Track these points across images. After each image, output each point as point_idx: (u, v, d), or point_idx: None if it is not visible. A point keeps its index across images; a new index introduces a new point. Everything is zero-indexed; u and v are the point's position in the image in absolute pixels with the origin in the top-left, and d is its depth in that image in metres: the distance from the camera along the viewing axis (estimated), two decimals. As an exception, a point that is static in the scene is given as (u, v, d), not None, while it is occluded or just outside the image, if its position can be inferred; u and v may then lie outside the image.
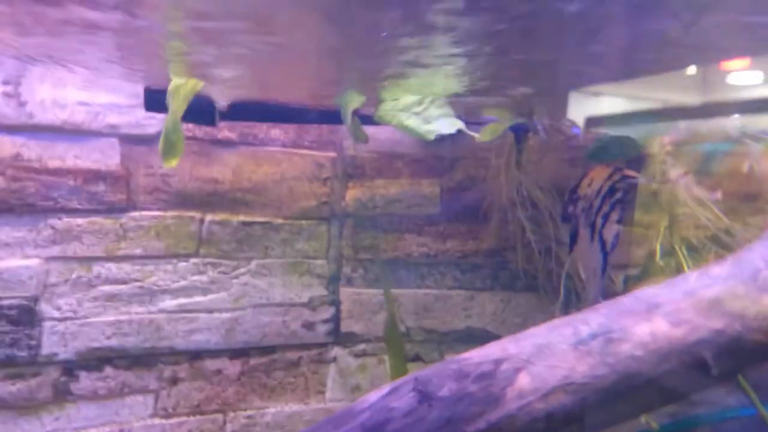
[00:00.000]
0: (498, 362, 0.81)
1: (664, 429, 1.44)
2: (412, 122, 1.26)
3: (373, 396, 0.81)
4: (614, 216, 1.20)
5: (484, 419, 0.75)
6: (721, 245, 1.23)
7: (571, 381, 0.78)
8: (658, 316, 0.82)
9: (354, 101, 1.29)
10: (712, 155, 1.43)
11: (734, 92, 1.20)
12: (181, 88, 1.20)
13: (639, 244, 1.61)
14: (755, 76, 1.16)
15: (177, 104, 1.20)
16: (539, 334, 0.86)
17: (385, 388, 0.81)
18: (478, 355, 0.84)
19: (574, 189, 1.27)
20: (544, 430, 0.77)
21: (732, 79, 1.17)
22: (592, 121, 1.43)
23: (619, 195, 1.20)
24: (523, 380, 0.78)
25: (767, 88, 1.19)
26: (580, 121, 1.51)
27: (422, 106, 1.27)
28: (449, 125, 1.24)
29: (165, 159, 1.30)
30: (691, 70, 1.15)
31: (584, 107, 1.39)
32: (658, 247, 1.29)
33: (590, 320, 0.85)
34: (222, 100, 1.50)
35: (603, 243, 1.20)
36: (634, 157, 1.41)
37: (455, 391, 0.77)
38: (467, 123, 1.89)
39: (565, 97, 1.38)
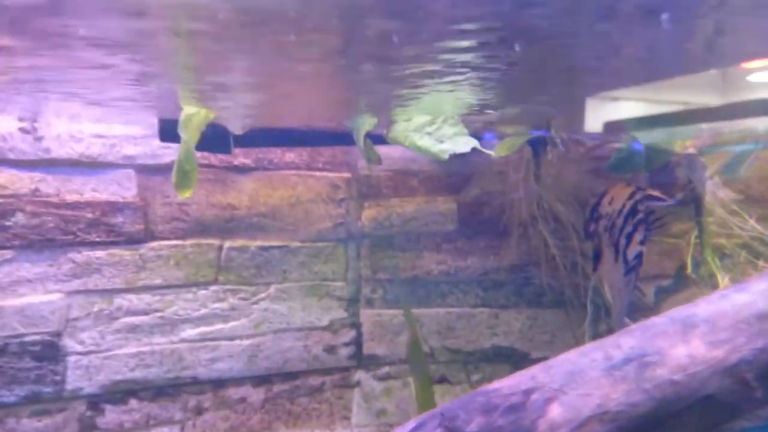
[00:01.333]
0: (528, 393, 0.77)
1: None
2: (425, 142, 1.24)
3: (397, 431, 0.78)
4: (637, 237, 1.16)
5: (517, 454, 0.72)
6: (755, 254, 1.18)
7: (605, 410, 0.75)
8: (695, 337, 0.78)
9: (366, 124, 1.28)
10: (739, 158, 1.38)
11: (755, 91, 1.17)
12: (194, 117, 1.20)
13: (669, 254, 1.55)
14: None
15: (189, 134, 1.20)
16: (570, 360, 0.82)
17: (411, 424, 0.78)
18: (507, 385, 0.80)
19: (595, 207, 1.23)
20: (581, 465, 0.73)
21: (753, 78, 1.14)
22: (611, 126, 1.39)
23: (641, 215, 1.16)
24: (555, 411, 0.75)
25: None
26: (598, 126, 1.47)
27: (435, 126, 1.25)
28: (463, 144, 1.21)
29: (179, 190, 1.29)
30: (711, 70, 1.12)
31: (603, 112, 1.35)
32: (689, 259, 1.24)
33: (623, 343, 0.81)
34: (236, 128, 1.50)
35: (627, 263, 1.16)
36: (660, 166, 1.37)
37: (483, 426, 0.74)
38: (484, 138, 1.87)
39: (581, 107, 1.35)
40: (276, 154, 1.82)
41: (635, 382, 0.76)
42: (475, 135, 1.78)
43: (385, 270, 1.92)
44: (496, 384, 0.82)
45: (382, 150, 1.65)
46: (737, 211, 1.18)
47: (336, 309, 1.86)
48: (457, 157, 1.81)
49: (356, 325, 1.87)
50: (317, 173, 1.87)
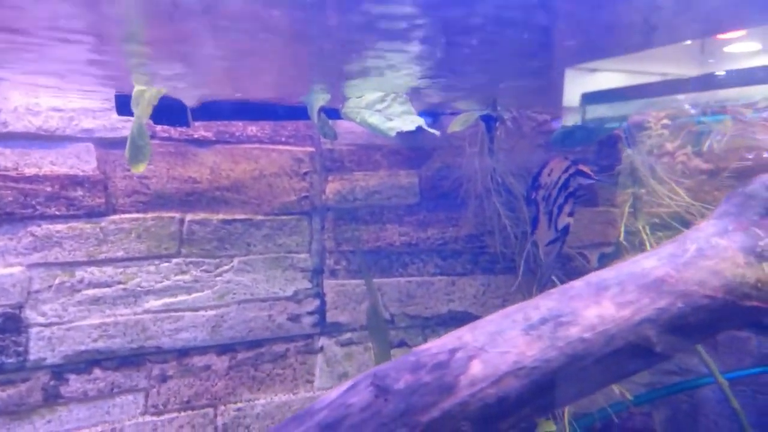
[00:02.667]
0: (453, 351, 0.83)
1: (638, 399, 1.48)
2: (375, 119, 1.28)
3: (333, 393, 0.83)
4: (567, 209, 1.22)
5: (438, 408, 0.78)
6: (686, 224, 1.25)
7: (521, 365, 0.81)
8: (606, 298, 0.85)
9: (319, 99, 1.31)
10: (701, 130, 1.42)
11: (732, 62, 1.19)
12: (145, 93, 1.21)
13: (612, 223, 1.63)
14: (752, 46, 1.14)
15: (141, 110, 1.21)
16: (494, 321, 0.88)
17: (346, 385, 0.84)
18: (436, 345, 0.86)
19: (536, 176, 1.29)
20: (497, 414, 0.79)
21: (730, 48, 1.15)
22: (588, 98, 1.41)
23: (571, 189, 1.22)
24: (476, 368, 0.81)
25: (765, 57, 1.16)
26: (576, 97, 1.49)
27: (385, 104, 1.28)
28: (410, 122, 1.25)
29: (132, 164, 1.31)
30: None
31: (580, 84, 1.37)
32: (622, 227, 1.31)
33: (541, 305, 0.88)
34: (190, 100, 1.51)
35: (556, 231, 1.23)
36: (604, 140, 1.42)
37: (411, 383, 0.80)
38: (440, 114, 1.91)
39: (560, 79, 1.35)
40: (237, 127, 1.83)
41: (550, 340, 0.83)
42: (431, 112, 1.82)
43: (349, 242, 1.97)
44: (427, 345, 0.88)
45: (345, 125, 1.68)
46: (669, 182, 1.24)
47: (300, 280, 1.91)
48: (418, 132, 1.85)
49: (320, 295, 1.93)
50: (280, 147, 1.90)
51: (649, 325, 0.81)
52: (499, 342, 0.84)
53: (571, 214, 1.23)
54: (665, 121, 1.42)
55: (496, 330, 0.86)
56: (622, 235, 1.32)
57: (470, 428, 0.76)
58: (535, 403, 0.81)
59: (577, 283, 0.90)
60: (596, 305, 0.84)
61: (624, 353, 0.81)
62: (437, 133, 1.26)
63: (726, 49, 1.13)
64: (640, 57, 1.16)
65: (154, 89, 1.22)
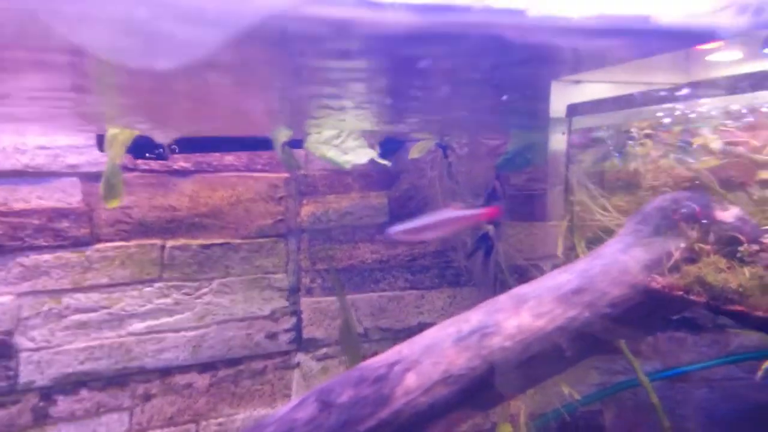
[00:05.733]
0: (392, 365, 0.94)
1: (586, 399, 1.59)
2: (332, 153, 1.40)
3: (283, 409, 0.94)
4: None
5: (375, 418, 0.89)
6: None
7: (449, 374, 0.92)
8: (525, 310, 0.97)
9: (282, 135, 1.43)
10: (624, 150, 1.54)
11: (717, 70, 1.27)
12: (119, 136, 1.33)
13: (565, 235, 1.75)
14: (733, 55, 1.22)
15: (114, 152, 1.32)
16: (430, 335, 1.00)
17: (295, 401, 0.95)
18: (378, 360, 0.97)
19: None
20: (428, 419, 0.90)
21: (712, 57, 1.21)
22: (573, 109, 1.45)
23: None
24: (410, 379, 0.92)
25: (747, 65, 1.23)
26: (561, 109, 1.56)
27: (340, 139, 1.41)
28: (363, 155, 1.38)
29: (107, 200, 1.42)
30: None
31: (565, 95, 1.42)
32: (559, 242, 1.43)
33: (471, 318, 0.99)
34: (162, 139, 1.63)
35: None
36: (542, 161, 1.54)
37: (353, 396, 0.91)
38: (405, 141, 2.04)
39: (547, 91, 1.41)
40: (215, 157, 1.95)
41: (476, 349, 0.94)
42: (396, 139, 1.94)
43: (324, 261, 2.09)
44: (371, 360, 0.99)
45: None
46: (601, 199, 1.35)
47: (277, 299, 2.02)
48: (387, 156, 1.97)
49: (297, 313, 2.04)
50: (256, 174, 2.02)
51: (560, 333, 0.92)
52: (433, 354, 0.95)
53: (491, 223, 1.36)
54: (648, 131, 1.49)
55: (431, 343, 0.97)
56: (560, 249, 1.44)
57: None
58: (463, 407, 0.92)
59: (503, 297, 1.02)
60: (516, 316, 0.96)
61: (540, 359, 0.92)
62: (388, 163, 1.39)
63: (708, 58, 1.17)
64: (625, 68, 1.20)
65: (127, 132, 1.34)
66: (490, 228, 1.39)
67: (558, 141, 1.51)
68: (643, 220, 1.02)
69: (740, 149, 1.31)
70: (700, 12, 0.79)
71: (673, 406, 1.78)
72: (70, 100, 1.10)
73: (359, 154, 1.37)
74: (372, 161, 1.82)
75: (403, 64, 0.88)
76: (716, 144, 1.24)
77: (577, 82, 1.35)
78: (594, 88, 1.39)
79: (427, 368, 0.93)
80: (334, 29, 0.71)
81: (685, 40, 0.91)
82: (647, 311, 0.95)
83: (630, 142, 1.32)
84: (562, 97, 1.41)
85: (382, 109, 1.18)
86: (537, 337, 0.93)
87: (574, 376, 1.84)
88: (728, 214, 0.97)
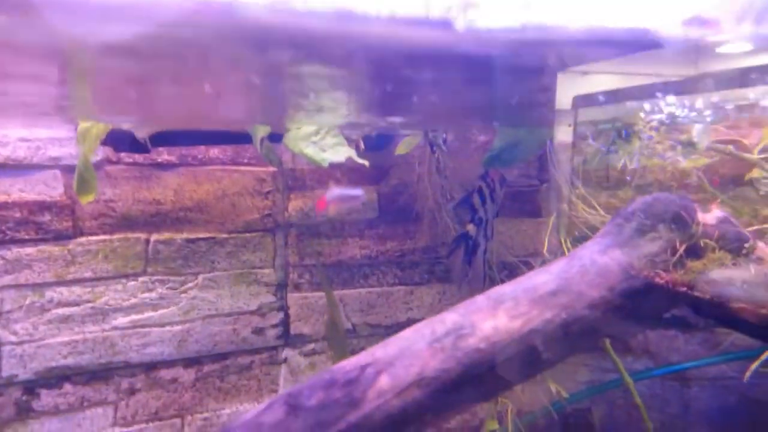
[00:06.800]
0: (364, 368, 0.93)
1: (575, 396, 1.57)
2: (310, 150, 1.38)
3: (251, 412, 0.92)
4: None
5: (345, 421, 0.87)
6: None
7: (423, 376, 0.91)
8: (501, 311, 0.95)
9: (261, 131, 1.40)
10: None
11: (726, 62, 1.24)
12: (91, 129, 1.30)
13: (554, 233, 1.73)
14: (743, 47, 1.19)
15: (87, 146, 1.30)
16: (404, 337, 0.98)
17: (263, 405, 0.93)
18: (350, 363, 0.96)
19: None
20: (401, 422, 0.89)
21: (722, 49, 1.20)
22: (580, 100, 1.42)
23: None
24: (383, 381, 0.90)
25: (757, 57, 1.21)
26: (568, 101, 1.54)
27: (319, 136, 1.38)
28: (341, 153, 1.35)
29: (80, 195, 1.39)
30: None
31: (573, 87, 1.38)
32: (546, 240, 1.41)
33: (447, 319, 0.97)
34: (140, 133, 1.60)
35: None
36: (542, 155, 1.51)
37: (322, 399, 0.89)
38: (394, 135, 2.01)
39: (553, 83, 1.37)
40: (200, 150, 1.92)
41: (450, 351, 0.92)
42: (386, 135, 1.92)
43: (312, 256, 2.07)
44: (343, 362, 0.97)
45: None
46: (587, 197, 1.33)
47: (264, 294, 2.00)
48: (376, 150, 1.94)
49: (284, 308, 2.02)
50: (242, 168, 1.99)
51: (536, 335, 0.90)
52: (407, 355, 0.93)
53: (471, 222, 1.35)
54: (653, 124, 1.46)
55: (405, 345, 0.95)
56: (545, 247, 1.42)
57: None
58: (436, 410, 0.90)
59: (480, 298, 1.00)
60: (492, 318, 0.94)
61: (515, 360, 0.90)
62: (366, 162, 1.36)
63: (718, 50, 1.13)
64: (634, 59, 1.16)
65: (101, 125, 1.31)
66: (470, 227, 1.37)
67: (564, 132, 1.46)
68: (623, 221, 0.99)
69: (729, 147, 1.28)
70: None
71: (663, 405, 1.76)
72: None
73: (338, 152, 1.35)
74: (360, 153, 1.80)
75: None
76: (704, 142, 1.21)
77: (585, 73, 1.32)
78: (602, 79, 1.36)
79: (401, 370, 0.91)
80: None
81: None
82: (625, 313, 0.93)
83: (618, 139, 1.30)
84: (568, 88, 1.38)
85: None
86: (513, 339, 0.91)
87: (563, 374, 1.82)
88: (710, 216, 0.95)
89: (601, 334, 0.96)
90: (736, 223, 0.98)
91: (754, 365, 1.36)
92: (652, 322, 1.23)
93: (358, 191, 1.55)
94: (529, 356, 0.91)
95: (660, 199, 0.99)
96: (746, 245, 0.95)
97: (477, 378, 0.91)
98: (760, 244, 0.99)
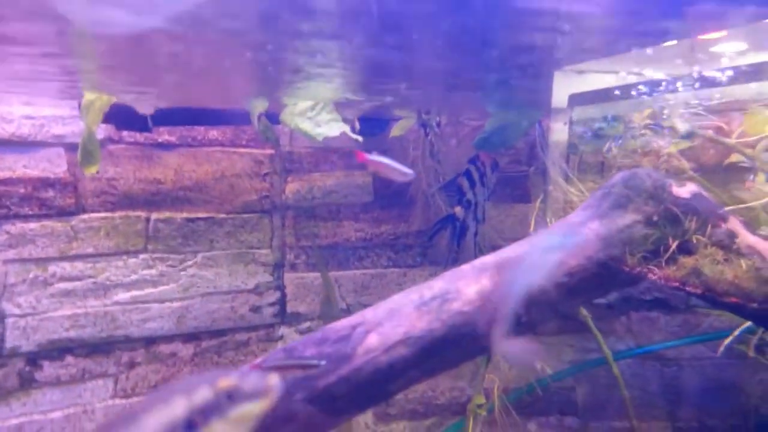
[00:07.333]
0: (354, 327, 0.98)
1: (559, 374, 1.64)
2: (306, 125, 1.42)
3: (245, 367, 0.98)
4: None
5: (335, 374, 0.93)
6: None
7: (410, 336, 0.96)
8: (485, 278, 1.00)
9: (259, 106, 1.45)
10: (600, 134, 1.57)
11: (720, 60, 1.21)
12: (95, 102, 1.35)
13: (543, 216, 1.78)
14: (738, 46, 1.24)
15: (91, 118, 1.34)
16: (394, 301, 1.04)
17: (260, 359, 0.99)
18: (341, 323, 1.01)
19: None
20: (387, 377, 0.94)
21: (716, 48, 1.17)
22: (575, 99, 1.45)
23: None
24: (372, 339, 0.96)
25: (751, 55, 1.24)
26: (564, 98, 1.57)
27: (314, 112, 1.43)
28: (335, 129, 1.40)
29: (84, 167, 1.44)
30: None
31: (568, 85, 1.42)
32: (532, 221, 1.47)
33: (434, 286, 1.03)
34: (145, 109, 1.64)
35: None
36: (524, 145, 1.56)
37: (314, 354, 0.95)
38: (390, 120, 2.06)
39: (549, 81, 1.41)
40: (199, 131, 1.97)
41: (436, 313, 0.98)
42: (381, 118, 1.97)
43: (308, 238, 2.12)
44: (335, 323, 1.03)
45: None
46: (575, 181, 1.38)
47: (262, 273, 2.06)
48: (372, 135, 1.99)
49: (281, 287, 2.08)
50: (241, 149, 2.04)
51: (516, 299, 0.96)
52: (395, 317, 0.99)
53: (459, 204, 1.41)
54: (647, 121, 1.51)
55: (394, 307, 1.01)
56: (532, 227, 1.48)
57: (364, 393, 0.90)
58: (421, 367, 0.96)
59: (465, 267, 1.06)
60: (476, 284, 0.99)
61: (496, 324, 0.96)
62: (360, 138, 1.41)
63: (712, 49, 1.16)
64: (629, 57, 1.20)
65: (105, 97, 1.35)
66: (458, 209, 1.42)
67: (560, 131, 1.50)
68: (603, 195, 1.05)
69: (709, 132, 1.33)
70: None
71: (644, 384, 1.83)
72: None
73: (332, 127, 1.40)
74: (355, 140, 1.85)
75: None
76: (684, 127, 1.27)
77: (581, 72, 1.36)
78: (597, 78, 1.39)
79: (389, 330, 0.97)
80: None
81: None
82: (600, 282, 0.98)
83: (603, 125, 1.35)
84: (565, 87, 1.42)
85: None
86: (495, 303, 0.97)
87: (549, 354, 1.88)
88: (684, 190, 1.00)
89: (579, 299, 1.01)
90: (710, 198, 1.03)
91: (727, 341, 1.42)
92: (629, 285, 1.28)
93: (408, 169, 1.47)
94: (512, 318, 0.96)
95: (637, 174, 1.05)
96: (736, 240, 0.99)
97: (461, 338, 0.97)
98: (735, 222, 1.04)
